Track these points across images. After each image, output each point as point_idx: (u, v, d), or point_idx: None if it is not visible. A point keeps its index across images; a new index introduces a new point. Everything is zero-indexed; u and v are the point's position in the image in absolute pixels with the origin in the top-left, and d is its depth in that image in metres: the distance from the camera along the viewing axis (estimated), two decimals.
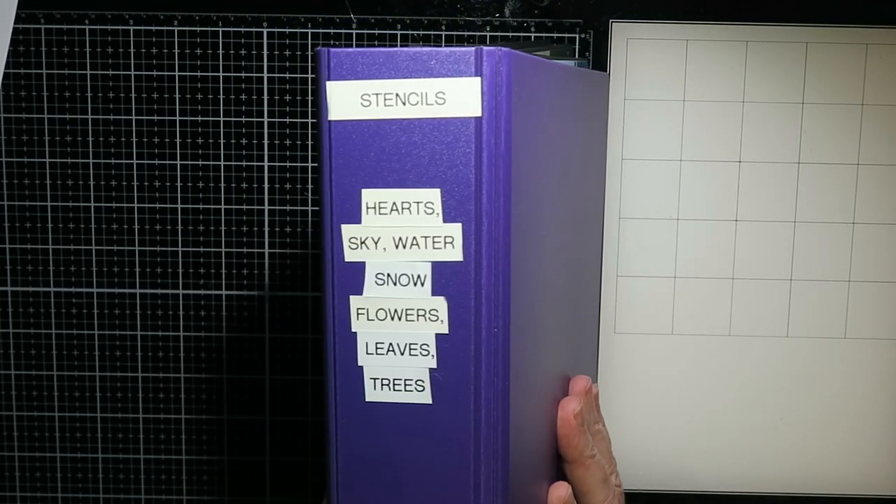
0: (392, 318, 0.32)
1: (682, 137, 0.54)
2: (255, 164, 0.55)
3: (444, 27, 0.54)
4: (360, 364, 0.33)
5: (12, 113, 0.55)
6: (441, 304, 0.32)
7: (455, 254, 0.32)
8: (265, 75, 0.54)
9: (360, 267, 0.32)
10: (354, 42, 0.54)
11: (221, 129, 0.55)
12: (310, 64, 0.54)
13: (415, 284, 0.32)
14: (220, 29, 0.54)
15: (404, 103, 0.31)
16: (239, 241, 0.56)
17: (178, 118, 0.55)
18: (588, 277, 0.49)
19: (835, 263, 0.55)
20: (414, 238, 0.32)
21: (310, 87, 0.54)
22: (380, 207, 0.32)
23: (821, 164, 0.54)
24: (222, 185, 0.55)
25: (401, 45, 0.54)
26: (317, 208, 0.55)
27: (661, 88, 0.54)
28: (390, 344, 0.32)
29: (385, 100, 0.31)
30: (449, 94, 0.31)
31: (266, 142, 0.55)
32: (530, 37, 0.54)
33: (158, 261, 0.56)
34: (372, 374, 0.33)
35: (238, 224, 0.55)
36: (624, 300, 0.55)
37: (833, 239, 0.55)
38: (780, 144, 0.54)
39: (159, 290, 0.56)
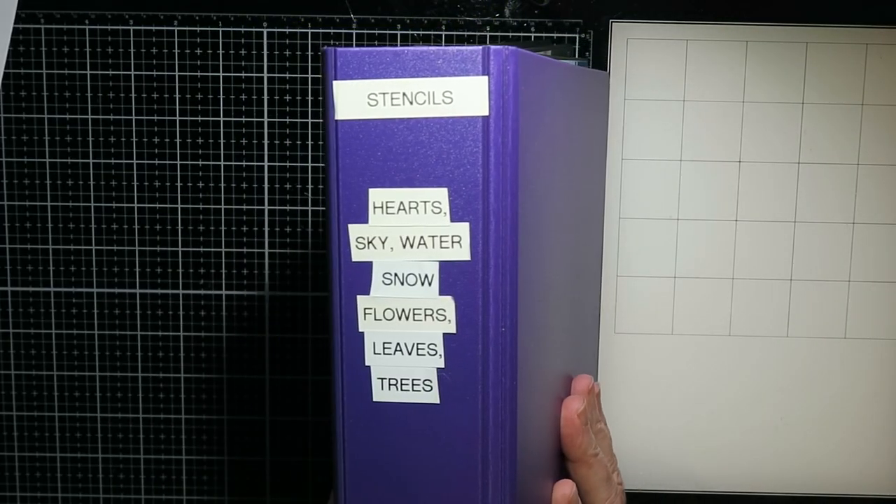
0: (399, 318, 0.32)
1: (682, 137, 0.54)
2: (255, 164, 0.55)
3: (444, 27, 0.54)
4: (367, 364, 0.33)
5: (12, 113, 0.55)
6: (449, 303, 0.32)
7: (462, 253, 0.32)
8: (265, 75, 0.54)
9: (367, 267, 0.32)
10: (354, 42, 0.54)
11: (221, 129, 0.55)
12: (310, 64, 0.54)
13: (422, 284, 0.32)
14: (220, 29, 0.54)
15: (411, 102, 0.31)
16: (239, 241, 0.56)
17: (178, 118, 0.55)
18: (589, 277, 0.49)
19: (835, 263, 0.55)
20: (421, 237, 0.32)
21: (310, 87, 0.54)
22: (387, 207, 0.32)
23: (821, 164, 0.55)
24: (222, 185, 0.55)
25: (401, 46, 0.54)
26: (317, 208, 0.55)
27: (661, 88, 0.54)
28: (398, 344, 0.32)
29: (392, 99, 0.31)
30: (456, 93, 0.31)
31: (266, 142, 0.55)
32: (530, 37, 0.54)
33: (158, 261, 0.56)
34: (379, 374, 0.33)
35: (238, 224, 0.55)
36: (624, 300, 0.55)
37: (833, 239, 0.55)
38: (780, 144, 0.54)
39: (159, 290, 0.56)
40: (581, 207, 0.45)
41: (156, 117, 0.55)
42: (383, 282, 0.32)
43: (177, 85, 0.54)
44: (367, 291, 0.32)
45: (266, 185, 0.55)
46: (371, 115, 0.31)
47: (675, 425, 0.56)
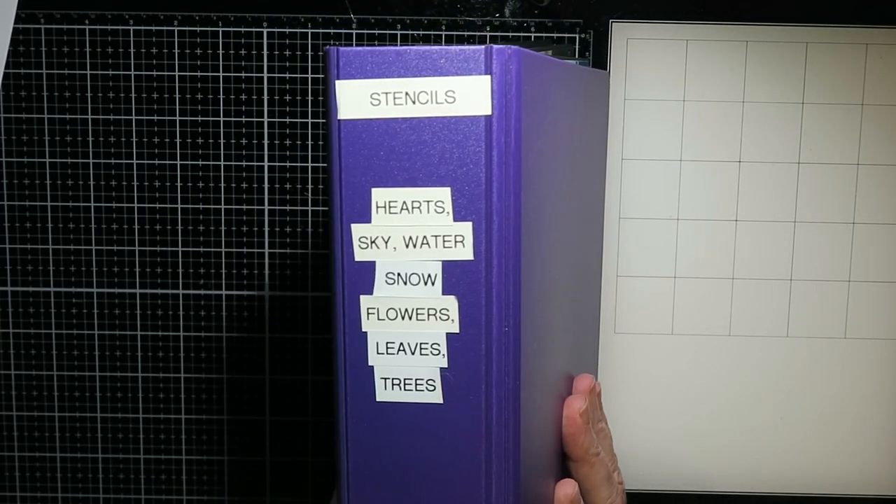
0: (402, 318, 0.32)
1: (682, 137, 0.54)
2: (255, 164, 0.55)
3: (444, 27, 0.54)
4: (370, 364, 0.33)
5: (12, 113, 0.55)
6: (452, 303, 0.32)
7: (465, 253, 0.32)
8: (265, 75, 0.54)
9: (370, 266, 0.32)
10: (354, 42, 0.54)
11: (221, 129, 0.55)
12: (310, 64, 0.54)
13: (425, 284, 0.32)
14: (220, 29, 0.54)
15: (414, 102, 0.31)
16: (239, 241, 0.56)
17: (178, 118, 0.55)
18: (589, 277, 0.49)
19: (835, 263, 0.55)
20: (424, 237, 0.32)
21: (310, 87, 0.54)
22: (390, 207, 0.32)
23: (821, 164, 0.55)
24: (222, 185, 0.55)
25: (402, 45, 0.54)
26: (317, 208, 0.55)
27: (661, 88, 0.54)
28: (401, 343, 0.32)
29: (395, 99, 0.31)
30: (459, 92, 0.31)
31: (266, 142, 0.55)
32: (530, 37, 0.54)
33: (158, 261, 0.56)
34: (382, 374, 0.33)
35: (238, 224, 0.55)
36: (624, 300, 0.55)
37: (833, 239, 0.55)
38: (780, 144, 0.54)
39: (159, 290, 0.56)
40: (582, 207, 0.45)
41: (156, 117, 0.55)
42: (386, 281, 0.32)
43: (177, 85, 0.54)
44: (370, 291, 0.32)
45: (266, 185, 0.55)
46: (374, 114, 0.31)
47: (676, 425, 0.56)
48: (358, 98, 0.31)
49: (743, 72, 0.54)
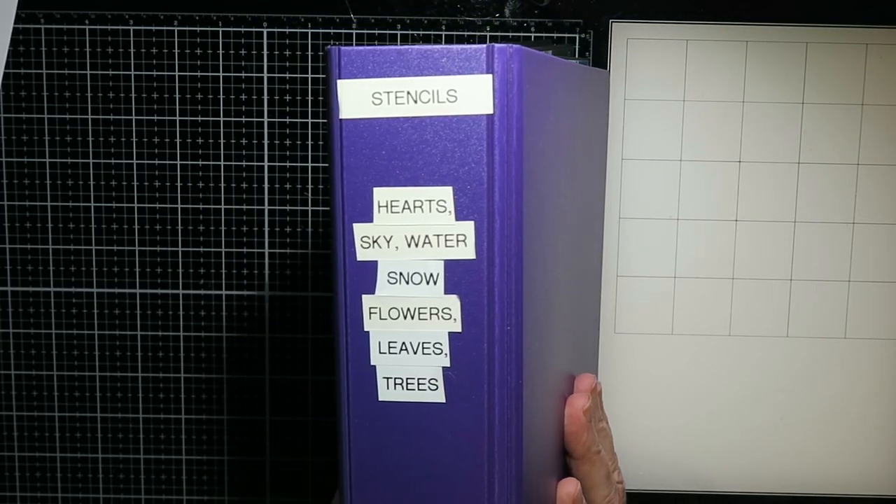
0: (405, 317, 0.32)
1: (682, 137, 0.54)
2: (255, 164, 0.55)
3: (444, 27, 0.54)
4: (372, 363, 0.33)
5: (12, 113, 0.55)
6: (454, 302, 0.32)
7: (468, 252, 0.32)
8: (265, 75, 0.54)
9: (372, 266, 0.32)
10: (354, 42, 0.54)
11: (221, 129, 0.55)
12: (310, 64, 0.54)
13: (427, 283, 0.32)
14: (220, 29, 0.54)
15: (416, 101, 0.31)
16: (239, 241, 0.56)
17: (178, 118, 0.55)
18: (590, 277, 0.49)
19: (835, 263, 0.55)
20: (426, 236, 0.32)
21: (310, 87, 0.54)
22: (392, 206, 0.32)
23: (821, 164, 0.55)
24: (222, 185, 0.55)
25: (401, 45, 0.54)
26: (317, 208, 0.55)
27: (661, 88, 0.54)
28: (403, 343, 0.32)
29: (396, 98, 0.31)
30: (460, 91, 0.31)
31: (266, 142, 0.55)
32: (530, 37, 0.54)
33: (158, 261, 0.56)
34: (385, 374, 0.33)
35: (238, 224, 0.55)
36: (624, 300, 0.55)
37: (833, 239, 0.55)
38: (780, 144, 0.54)
39: (159, 290, 0.56)
40: (582, 207, 0.45)
41: (156, 117, 0.55)
42: (388, 281, 0.32)
43: (177, 85, 0.54)
44: (372, 291, 0.32)
45: (266, 185, 0.55)
46: (375, 113, 0.31)
47: (676, 425, 0.56)
48: (359, 97, 0.31)
49: (743, 72, 0.54)
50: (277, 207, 0.55)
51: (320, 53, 0.54)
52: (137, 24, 0.54)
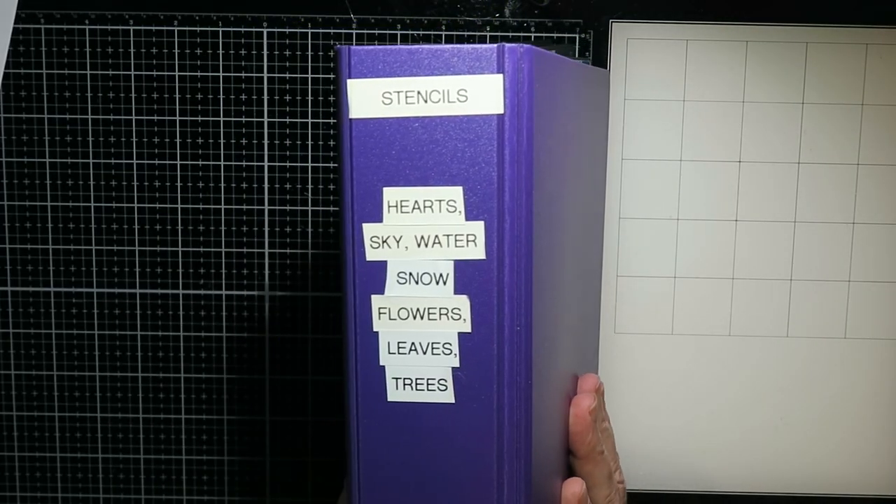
0: (414, 318, 0.32)
1: (682, 137, 0.54)
2: (255, 164, 0.55)
3: (444, 27, 0.54)
4: (381, 364, 0.33)
5: (12, 113, 0.55)
6: (464, 302, 0.32)
7: (477, 252, 0.31)
8: (265, 75, 0.54)
9: (381, 266, 0.32)
10: (354, 41, 0.54)
11: (221, 129, 0.55)
12: (310, 64, 0.54)
13: (437, 283, 0.32)
14: (220, 29, 0.54)
15: (426, 101, 0.31)
16: (239, 241, 0.56)
17: (178, 118, 0.55)
18: (591, 277, 0.49)
19: (835, 263, 0.55)
20: (436, 236, 0.32)
21: (310, 87, 0.54)
22: (401, 206, 0.32)
23: (821, 164, 0.55)
24: (222, 185, 0.55)
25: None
26: (317, 208, 0.55)
27: (661, 88, 0.54)
28: (412, 343, 0.32)
29: (406, 97, 0.31)
30: (471, 91, 0.31)
31: (266, 142, 0.55)
32: (530, 37, 0.54)
33: (158, 261, 0.56)
34: (394, 374, 0.32)
35: (238, 224, 0.55)
36: (624, 300, 0.55)
37: (833, 239, 0.55)
38: (780, 144, 0.54)
39: (159, 290, 0.56)
40: (585, 206, 0.45)
41: (156, 117, 0.55)
42: (398, 281, 0.32)
43: (177, 85, 0.54)
44: (381, 291, 0.32)
45: (266, 185, 0.55)
46: (385, 113, 0.31)
47: (675, 425, 0.56)
48: (369, 97, 0.31)
49: (743, 72, 0.54)
50: (277, 207, 0.55)
51: (320, 53, 0.54)
52: (137, 24, 0.54)
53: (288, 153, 0.55)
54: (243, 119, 0.54)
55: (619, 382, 0.56)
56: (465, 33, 0.54)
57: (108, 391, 0.57)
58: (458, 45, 0.31)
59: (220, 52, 0.54)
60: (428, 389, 0.32)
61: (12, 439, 0.57)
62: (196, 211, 0.55)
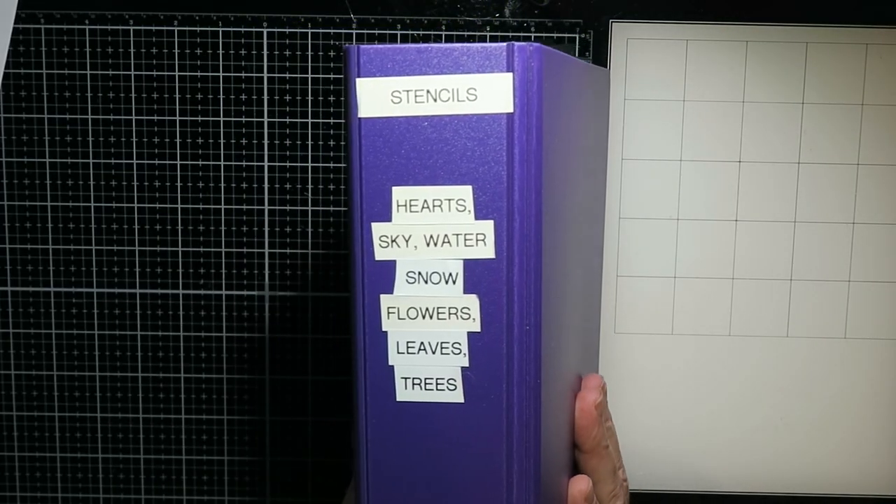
0: (423, 317, 0.32)
1: (682, 137, 0.54)
2: (255, 164, 0.55)
3: (444, 27, 0.54)
4: (390, 363, 0.32)
5: (12, 113, 0.55)
6: (473, 301, 0.32)
7: (487, 251, 0.31)
8: (265, 75, 0.54)
9: (390, 265, 0.32)
10: (355, 41, 0.54)
11: (221, 129, 0.55)
12: (310, 64, 0.54)
13: (446, 282, 0.32)
14: (220, 29, 0.54)
15: (435, 100, 0.31)
16: (239, 241, 0.56)
17: (178, 118, 0.55)
18: (592, 277, 0.49)
19: (835, 263, 0.55)
20: (445, 236, 0.31)
21: (310, 86, 0.54)
22: (410, 205, 0.32)
23: (821, 164, 0.55)
24: (222, 185, 0.55)
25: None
26: (317, 208, 0.55)
27: (661, 88, 0.54)
28: (421, 343, 0.32)
29: (416, 96, 0.31)
30: (480, 90, 0.31)
31: (266, 142, 0.55)
32: (530, 37, 0.54)
33: (158, 261, 0.56)
34: (403, 374, 0.32)
35: (238, 224, 0.55)
36: (624, 300, 0.55)
37: (833, 239, 0.55)
38: (780, 144, 0.54)
39: (159, 290, 0.56)
40: (588, 206, 0.45)
41: (156, 117, 0.55)
42: (407, 280, 0.32)
43: (177, 85, 0.54)
44: (390, 290, 0.32)
45: (266, 185, 0.55)
46: (394, 112, 0.31)
47: (675, 425, 0.56)
48: (379, 96, 0.31)
49: (743, 72, 0.54)
50: (277, 207, 0.55)
51: (320, 53, 0.54)
52: (137, 24, 0.54)
53: (288, 153, 0.55)
54: (243, 119, 0.54)
55: (619, 382, 0.56)
56: (465, 33, 0.54)
57: (108, 391, 0.57)
58: (468, 44, 0.31)
59: (220, 52, 0.54)
60: (437, 389, 0.32)
61: (12, 439, 0.57)
62: (196, 211, 0.55)
